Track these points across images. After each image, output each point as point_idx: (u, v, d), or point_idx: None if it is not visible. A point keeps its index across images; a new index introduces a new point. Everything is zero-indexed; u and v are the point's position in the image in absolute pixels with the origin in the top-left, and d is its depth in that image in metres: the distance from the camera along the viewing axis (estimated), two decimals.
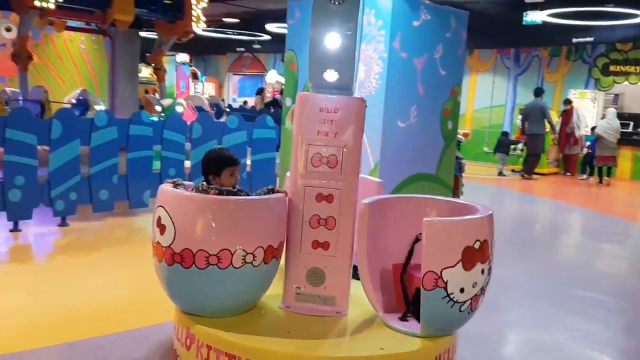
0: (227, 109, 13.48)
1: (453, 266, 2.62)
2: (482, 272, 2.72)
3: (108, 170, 6.20)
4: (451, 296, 2.66)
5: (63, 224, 5.97)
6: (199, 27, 10.81)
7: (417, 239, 2.96)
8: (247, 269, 2.79)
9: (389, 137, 6.35)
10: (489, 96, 16.90)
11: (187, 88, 24.22)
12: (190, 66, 24.82)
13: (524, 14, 10.81)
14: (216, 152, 3.23)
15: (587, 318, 4.25)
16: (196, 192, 3.04)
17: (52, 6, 8.51)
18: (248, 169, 7.21)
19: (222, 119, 9.63)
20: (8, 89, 11.36)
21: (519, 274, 5.36)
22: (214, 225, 2.75)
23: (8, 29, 13.62)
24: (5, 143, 5.30)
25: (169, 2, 10.84)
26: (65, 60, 15.65)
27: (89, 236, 5.80)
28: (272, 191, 3.11)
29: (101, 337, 3.33)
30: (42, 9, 8.53)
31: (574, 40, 13.83)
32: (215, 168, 3.08)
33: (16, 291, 4.09)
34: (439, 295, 2.65)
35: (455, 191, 7.95)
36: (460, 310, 2.71)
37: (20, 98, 9.79)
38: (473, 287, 2.69)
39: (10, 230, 5.56)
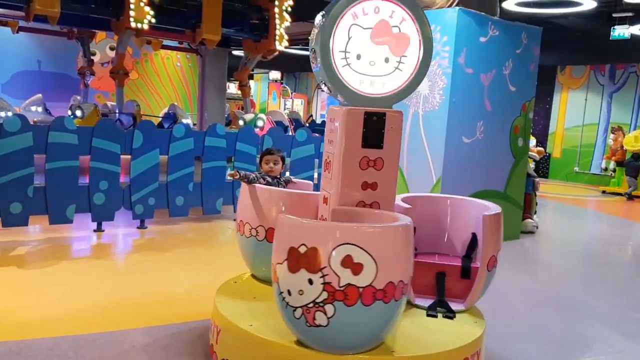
0: (307, 124, 13.85)
1: (281, 263, 2.61)
2: (310, 282, 2.51)
3: (184, 178, 6.63)
4: (282, 295, 2.64)
5: (141, 226, 6.47)
6: (282, 45, 11.23)
7: None
8: (253, 241, 3.58)
9: (452, 153, 6.36)
10: (581, 114, 16.17)
11: (277, 103, 25.12)
12: (282, 83, 25.69)
13: (612, 28, 10.36)
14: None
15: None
16: None
17: (146, 27, 9.21)
18: (315, 181, 7.42)
19: None
20: (109, 103, 12.40)
21: (581, 293, 5.17)
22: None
23: (112, 48, 14.89)
24: (91, 151, 5.86)
25: (255, 21, 11.38)
26: (162, 77, 16.78)
27: (163, 238, 6.23)
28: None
29: (154, 327, 3.64)
30: (137, 29, 9.26)
31: None
32: (260, 159, 4.10)
33: (92, 282, 4.52)
34: (276, 290, 2.68)
35: (528, 209, 7.74)
36: (295, 317, 2.61)
37: (117, 111, 10.64)
38: (300, 294, 2.55)
39: (94, 230, 6.13)
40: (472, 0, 6.49)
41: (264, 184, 3.83)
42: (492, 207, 3.45)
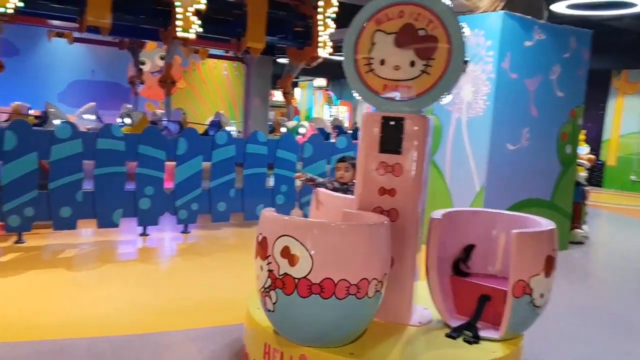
0: (350, 131, 13.84)
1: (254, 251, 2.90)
2: (261, 268, 2.76)
3: (226, 185, 6.74)
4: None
5: (185, 230, 6.60)
6: (325, 52, 11.25)
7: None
8: None
9: (496, 160, 6.22)
10: (637, 120, 15.55)
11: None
12: (327, 90, 25.76)
13: None
14: None
15: None
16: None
17: (192, 36, 9.41)
18: None
19: None
20: (158, 111, 12.70)
21: (629, 308, 4.95)
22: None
23: (162, 57, 15.23)
24: (138, 157, 6.02)
25: (299, 29, 11.46)
26: (209, 85, 17.10)
27: (206, 243, 6.33)
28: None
29: (191, 330, 3.69)
30: (184, 39, 9.48)
31: None
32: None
33: (134, 285, 4.63)
34: None
35: (577, 219, 7.48)
36: (260, 300, 2.88)
37: (165, 119, 10.90)
38: (257, 278, 2.83)
39: (140, 234, 6.28)
40: (519, 4, 6.34)
41: (331, 189, 3.92)
42: (544, 224, 3.15)
